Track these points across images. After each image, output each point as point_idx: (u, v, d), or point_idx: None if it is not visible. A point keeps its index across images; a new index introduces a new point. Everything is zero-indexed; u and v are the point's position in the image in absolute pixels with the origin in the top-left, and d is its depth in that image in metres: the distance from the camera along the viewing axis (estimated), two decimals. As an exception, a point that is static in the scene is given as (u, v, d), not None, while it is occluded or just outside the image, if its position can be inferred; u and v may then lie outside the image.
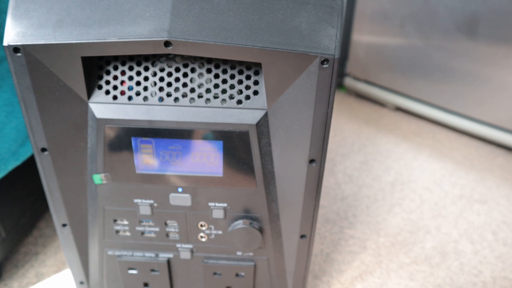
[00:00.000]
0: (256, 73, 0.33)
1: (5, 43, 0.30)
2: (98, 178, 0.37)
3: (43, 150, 0.35)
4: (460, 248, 0.58)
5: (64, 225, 0.40)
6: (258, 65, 0.33)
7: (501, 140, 0.80)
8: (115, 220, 0.40)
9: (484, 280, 0.53)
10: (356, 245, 0.59)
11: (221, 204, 0.38)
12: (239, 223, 0.38)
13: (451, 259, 0.57)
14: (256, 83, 0.33)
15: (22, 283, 0.50)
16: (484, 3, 0.73)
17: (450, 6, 0.77)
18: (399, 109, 0.97)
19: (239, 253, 0.41)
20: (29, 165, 0.49)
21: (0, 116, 0.42)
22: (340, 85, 1.08)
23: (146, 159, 0.36)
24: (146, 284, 0.44)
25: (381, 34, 0.90)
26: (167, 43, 0.30)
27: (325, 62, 0.31)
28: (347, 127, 0.91)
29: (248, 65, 0.33)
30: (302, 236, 0.40)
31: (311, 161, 0.35)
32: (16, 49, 0.30)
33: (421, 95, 0.89)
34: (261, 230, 0.39)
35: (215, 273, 0.43)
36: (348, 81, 1.03)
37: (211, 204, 0.38)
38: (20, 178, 0.51)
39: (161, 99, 0.34)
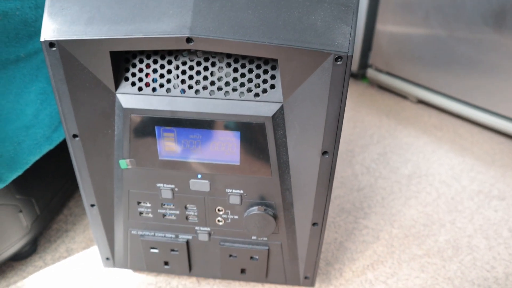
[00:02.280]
0: (273, 67, 0.35)
1: (41, 39, 0.33)
2: (124, 163, 0.39)
3: (75, 136, 0.38)
4: (474, 243, 0.59)
5: (92, 205, 0.43)
6: (275, 60, 0.35)
7: (525, 136, 0.78)
8: (139, 202, 0.42)
9: (496, 276, 0.54)
10: (370, 235, 0.60)
11: (238, 191, 0.40)
12: (254, 209, 0.40)
13: (464, 253, 0.57)
14: (273, 77, 0.35)
15: (54, 257, 0.54)
16: (513, -5, 0.71)
17: (477, -2, 0.75)
18: (421, 101, 0.96)
19: (254, 237, 0.44)
20: (61, 149, 0.53)
21: (36, 104, 0.45)
22: (363, 76, 1.08)
23: (168, 147, 0.38)
24: (166, 263, 0.47)
25: (405, 25, 0.89)
26: (188, 40, 0.32)
27: (339, 59, 0.32)
28: (368, 119, 0.91)
29: (266, 60, 0.35)
30: (314, 224, 0.42)
31: (324, 153, 0.37)
32: (51, 44, 0.33)
33: (444, 88, 0.88)
34: (275, 216, 0.41)
35: (231, 255, 0.45)
36: (371, 73, 1.02)
37: (228, 190, 0.40)
38: (52, 161, 0.54)
39: (183, 91, 0.36)
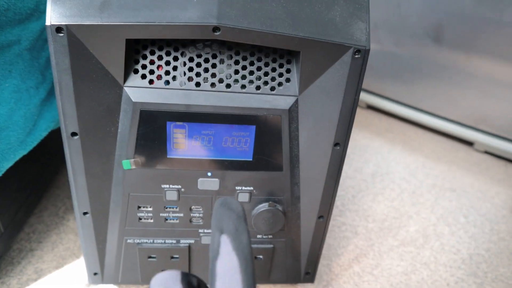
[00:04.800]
0: (288, 61, 0.36)
1: (47, 23, 0.30)
2: (127, 164, 0.36)
3: (73, 134, 0.35)
4: (439, 230, 0.64)
5: (85, 213, 0.39)
6: (291, 54, 0.35)
7: (462, 135, 0.89)
8: (139, 207, 0.39)
9: (462, 257, 0.60)
10: (348, 231, 0.63)
11: (248, 188, 0.39)
12: (264, 206, 0.40)
13: (433, 240, 0.62)
14: (288, 71, 0.36)
15: (21, 280, 0.47)
16: (449, 10, 0.81)
17: (419, 12, 0.84)
18: (370, 107, 1.03)
19: (259, 236, 0.43)
20: (24, 157, 0.47)
21: (10, 103, 0.40)
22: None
23: (178, 144, 0.36)
24: (164, 272, 0.44)
25: (355, 36, 0.96)
26: (215, 29, 0.31)
27: (357, 53, 0.34)
28: (325, 124, 0.95)
29: (282, 54, 0.35)
30: (320, 217, 0.42)
31: (336, 144, 0.38)
32: (59, 29, 0.30)
33: (391, 94, 0.96)
34: (284, 212, 0.41)
35: (234, 257, 0.44)
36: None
37: (237, 188, 0.39)
38: (16, 171, 0.48)
39: (189, 79, 0.34)
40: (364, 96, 1.01)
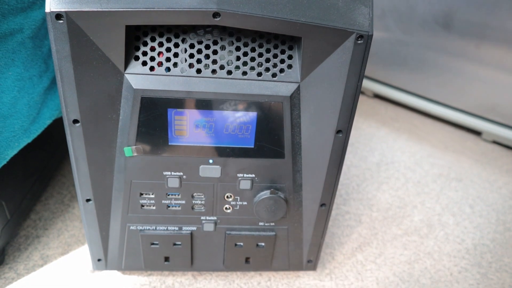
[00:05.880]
0: (290, 48, 0.35)
1: (47, 10, 0.30)
2: (129, 151, 0.37)
3: (75, 121, 0.35)
4: (443, 220, 0.64)
5: (88, 200, 0.39)
6: (293, 40, 0.35)
7: (471, 125, 0.87)
8: (141, 194, 0.40)
9: (466, 247, 0.59)
10: (352, 220, 0.62)
11: (249, 175, 0.39)
12: (266, 193, 0.40)
13: (437, 230, 0.62)
14: (290, 57, 0.35)
15: (28, 266, 0.48)
16: (458, -3, 0.79)
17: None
18: (377, 96, 1.02)
19: (261, 223, 0.43)
20: (29, 145, 0.47)
21: (13, 91, 0.40)
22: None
23: (179, 131, 0.36)
24: (167, 258, 0.45)
25: (361, 24, 0.94)
26: (215, 14, 0.31)
27: (360, 38, 0.33)
28: (330, 113, 0.94)
29: (283, 40, 0.35)
30: (322, 205, 0.42)
31: (338, 131, 0.38)
32: (58, 16, 0.30)
33: (398, 83, 0.95)
34: (286, 199, 0.41)
35: (236, 244, 0.44)
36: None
37: (239, 175, 0.39)
38: (21, 159, 0.49)
39: (190, 65, 0.34)
40: (370, 85, 1.00)
